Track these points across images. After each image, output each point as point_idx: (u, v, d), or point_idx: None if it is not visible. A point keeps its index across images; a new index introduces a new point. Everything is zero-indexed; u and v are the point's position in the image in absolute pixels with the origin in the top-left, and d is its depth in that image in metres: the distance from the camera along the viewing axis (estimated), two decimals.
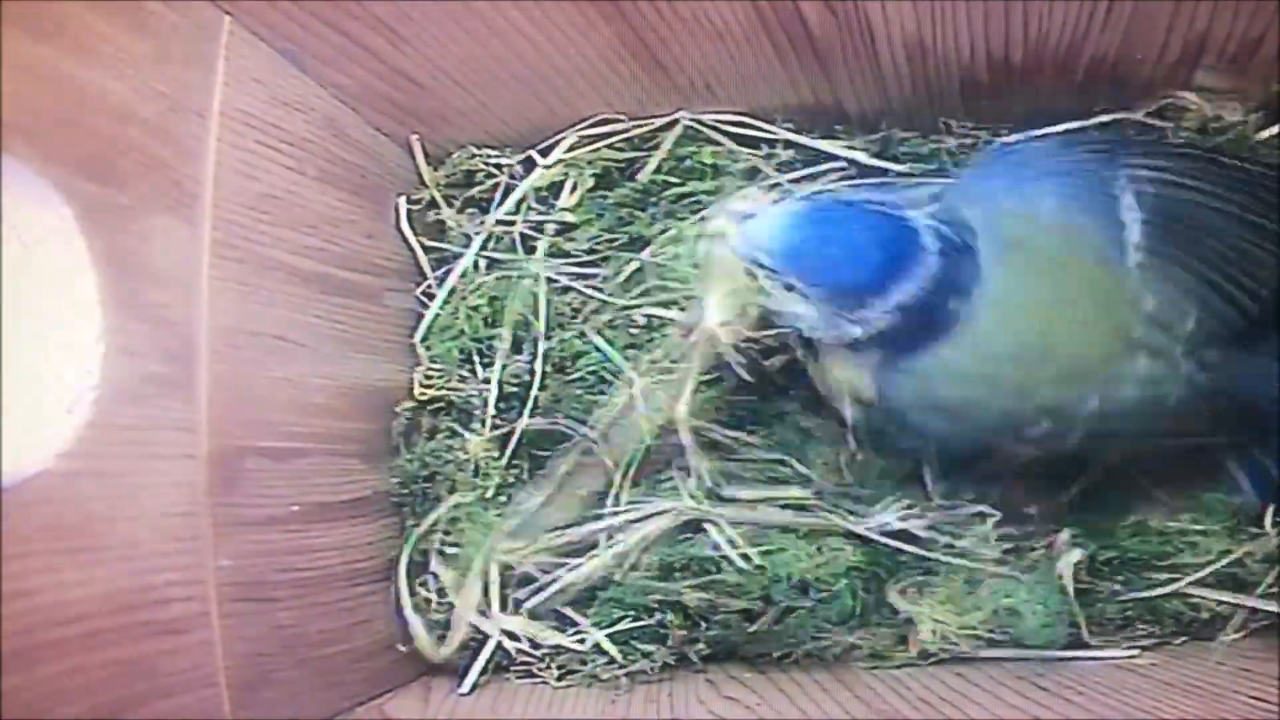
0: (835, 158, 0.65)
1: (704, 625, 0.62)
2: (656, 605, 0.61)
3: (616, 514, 0.62)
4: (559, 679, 0.62)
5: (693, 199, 0.66)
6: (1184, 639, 0.61)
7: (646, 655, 0.61)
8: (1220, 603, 0.60)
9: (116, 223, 0.45)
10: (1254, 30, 0.55)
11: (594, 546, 0.62)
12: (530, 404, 0.65)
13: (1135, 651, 0.60)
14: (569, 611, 0.62)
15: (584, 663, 0.62)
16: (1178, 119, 0.62)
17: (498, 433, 0.65)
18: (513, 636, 0.62)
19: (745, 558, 0.61)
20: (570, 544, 0.62)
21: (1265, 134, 0.62)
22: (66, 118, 0.43)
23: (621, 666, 0.61)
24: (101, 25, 0.45)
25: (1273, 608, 0.60)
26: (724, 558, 0.61)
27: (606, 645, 0.61)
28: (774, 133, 0.65)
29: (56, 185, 0.42)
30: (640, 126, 0.66)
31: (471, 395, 0.66)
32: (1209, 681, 0.54)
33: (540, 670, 0.62)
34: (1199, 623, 0.61)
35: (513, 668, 0.63)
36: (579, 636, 0.61)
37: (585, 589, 0.62)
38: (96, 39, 0.45)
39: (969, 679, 0.57)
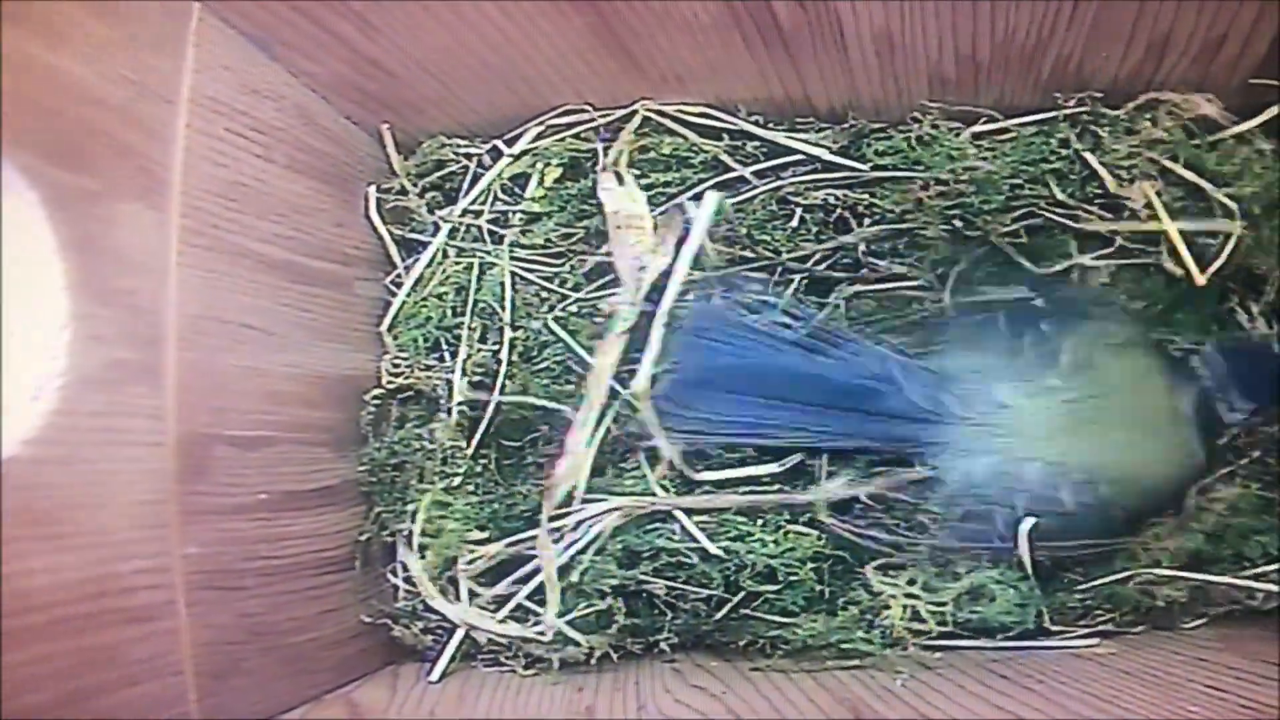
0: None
1: (670, 614, 0.62)
2: (610, 591, 0.61)
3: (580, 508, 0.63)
4: (526, 667, 0.62)
5: (656, 190, 0.66)
6: (1142, 627, 0.62)
7: (611, 642, 0.62)
8: (1176, 586, 0.61)
9: (84, 209, 0.45)
10: (1217, 29, 0.56)
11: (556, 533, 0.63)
12: (497, 393, 0.65)
13: (1095, 640, 0.61)
14: (529, 603, 0.62)
15: (549, 651, 0.62)
16: (1155, 116, 0.63)
17: (466, 420, 0.65)
18: (478, 626, 0.62)
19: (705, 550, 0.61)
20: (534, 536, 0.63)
21: (1256, 121, 0.62)
22: (34, 103, 0.43)
23: (587, 654, 0.61)
24: (70, 10, 0.45)
25: (1224, 580, 0.61)
26: (687, 547, 0.62)
27: (570, 633, 0.61)
28: (737, 124, 0.65)
29: (23, 170, 0.42)
30: (605, 116, 0.66)
31: (439, 384, 0.66)
32: (1166, 671, 0.55)
33: (508, 659, 0.63)
34: (1157, 611, 0.62)
35: (480, 656, 0.64)
36: (539, 628, 0.62)
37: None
38: (65, 24, 0.45)
39: (931, 668, 0.58)
